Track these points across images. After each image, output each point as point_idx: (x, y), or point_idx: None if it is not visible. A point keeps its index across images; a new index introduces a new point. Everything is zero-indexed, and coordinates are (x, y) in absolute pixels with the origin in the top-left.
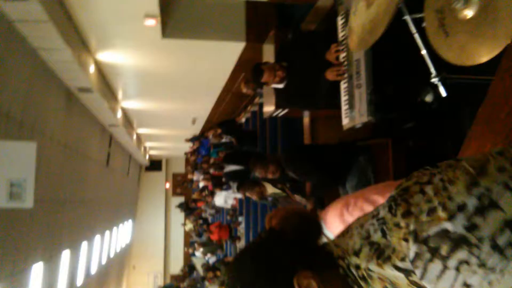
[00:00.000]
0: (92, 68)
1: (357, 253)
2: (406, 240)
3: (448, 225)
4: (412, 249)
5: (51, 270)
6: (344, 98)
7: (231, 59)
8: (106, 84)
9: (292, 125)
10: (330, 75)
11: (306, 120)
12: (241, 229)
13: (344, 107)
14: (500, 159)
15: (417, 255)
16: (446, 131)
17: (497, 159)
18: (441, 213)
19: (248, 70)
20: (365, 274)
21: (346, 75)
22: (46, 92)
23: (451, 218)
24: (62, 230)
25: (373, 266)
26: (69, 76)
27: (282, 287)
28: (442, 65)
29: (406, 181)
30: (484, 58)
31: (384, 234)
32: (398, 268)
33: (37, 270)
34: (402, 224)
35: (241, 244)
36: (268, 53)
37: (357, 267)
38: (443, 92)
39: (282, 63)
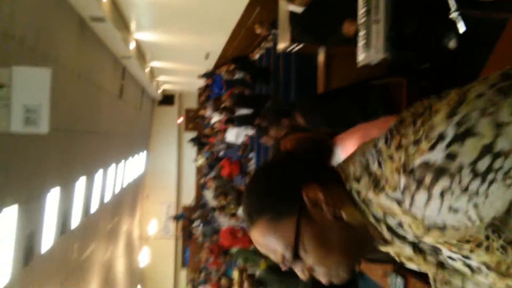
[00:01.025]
0: None
1: (357, 180)
2: (398, 171)
3: (430, 156)
4: (401, 180)
5: (67, 195)
6: (361, 33)
7: None
8: (120, 14)
9: (306, 62)
10: (347, 27)
11: (321, 57)
12: (252, 165)
13: (360, 42)
14: (482, 83)
15: (405, 187)
16: (462, 73)
17: (480, 84)
18: (424, 144)
19: (264, 5)
20: (366, 200)
21: (362, 32)
22: (59, 19)
23: (431, 148)
24: (78, 158)
25: (371, 195)
26: (82, 3)
27: (292, 200)
28: (462, 2)
29: (405, 111)
30: None
31: (380, 165)
32: (391, 198)
33: (54, 195)
34: (395, 156)
35: None
36: None
37: (358, 193)
38: (462, 27)
39: None
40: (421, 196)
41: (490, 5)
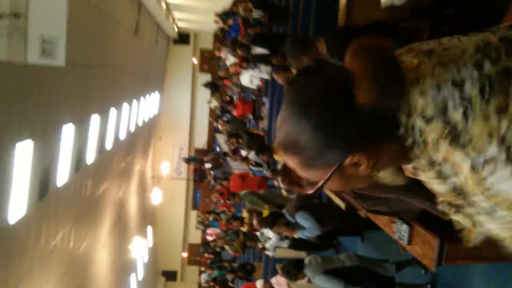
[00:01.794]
0: None
1: (427, 121)
2: (490, 136)
3: None
4: (492, 149)
5: (81, 132)
6: None
7: None
8: None
9: (327, 4)
10: None
11: None
12: (265, 109)
13: None
14: None
15: (494, 157)
16: (484, 22)
17: None
18: None
19: None
20: (428, 141)
21: None
22: None
23: None
24: (91, 95)
25: (443, 146)
26: None
27: (336, 155)
28: None
29: (510, 59)
30: None
31: (466, 117)
32: (467, 159)
33: (68, 131)
34: (493, 119)
35: (263, 124)
36: None
37: (421, 132)
38: None
39: None
40: (505, 171)
41: None
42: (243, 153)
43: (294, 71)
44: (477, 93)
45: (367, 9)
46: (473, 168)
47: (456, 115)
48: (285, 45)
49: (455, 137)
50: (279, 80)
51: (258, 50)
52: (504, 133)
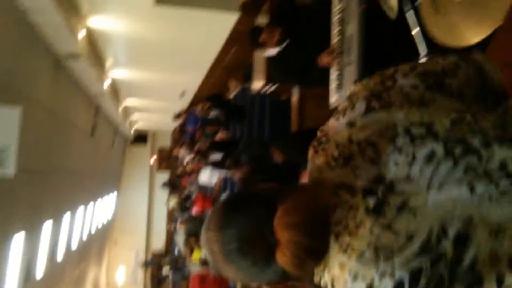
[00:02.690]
0: (82, 34)
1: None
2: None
3: None
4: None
5: (33, 241)
6: (333, 75)
7: (223, 31)
8: (96, 51)
9: (280, 102)
10: (324, 58)
11: (295, 98)
12: None
13: (333, 84)
14: None
15: None
16: None
17: None
18: None
19: (241, 44)
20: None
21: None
22: (33, 56)
23: None
24: (45, 201)
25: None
26: (58, 40)
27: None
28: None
29: None
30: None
31: None
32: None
33: (19, 240)
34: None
35: None
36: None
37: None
38: None
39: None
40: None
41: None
42: (203, 255)
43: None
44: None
45: (318, 109)
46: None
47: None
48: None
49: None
50: (236, 177)
51: (216, 155)
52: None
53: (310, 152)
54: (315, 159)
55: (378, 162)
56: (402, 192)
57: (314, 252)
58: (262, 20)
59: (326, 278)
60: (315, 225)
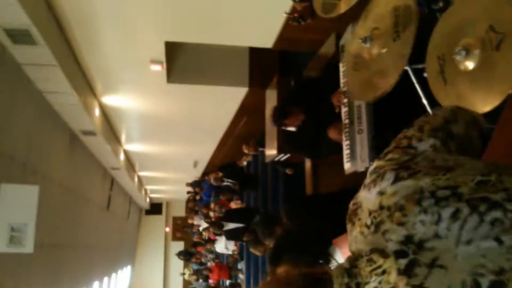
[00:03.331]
0: (96, 112)
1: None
2: None
3: None
4: None
5: None
6: (345, 143)
7: (233, 104)
8: (110, 127)
9: (294, 169)
10: (332, 133)
11: (308, 165)
12: (241, 276)
13: (345, 151)
14: None
15: None
16: None
17: None
18: None
19: (251, 115)
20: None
21: (347, 121)
22: (50, 134)
23: None
24: (61, 276)
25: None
26: (74, 119)
27: None
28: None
29: None
30: (480, 110)
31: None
32: None
33: None
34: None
35: None
36: (271, 98)
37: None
38: None
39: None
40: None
41: None
42: None
43: (268, 244)
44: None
45: (331, 175)
46: None
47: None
48: (255, 222)
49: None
50: (256, 253)
51: (231, 225)
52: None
53: (348, 226)
54: (352, 231)
55: (406, 223)
56: (432, 248)
57: None
58: (270, 93)
59: None
60: None
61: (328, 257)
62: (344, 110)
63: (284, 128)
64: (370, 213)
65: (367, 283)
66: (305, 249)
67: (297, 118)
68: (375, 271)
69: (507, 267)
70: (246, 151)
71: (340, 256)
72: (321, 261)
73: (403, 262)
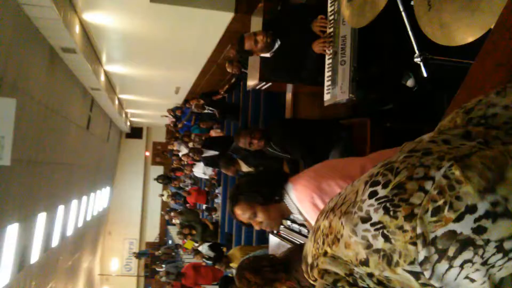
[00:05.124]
0: (77, 28)
1: (365, 263)
2: (413, 244)
3: (456, 227)
4: (421, 253)
5: (26, 231)
6: (327, 74)
7: (218, 29)
8: (91, 46)
9: (275, 100)
10: (316, 47)
11: (289, 95)
12: (219, 200)
13: (326, 83)
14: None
15: (426, 258)
16: (423, 116)
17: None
18: (448, 213)
19: (235, 42)
20: (382, 279)
21: (331, 50)
22: (29, 49)
23: (459, 219)
24: (39, 192)
25: (387, 273)
26: (54, 34)
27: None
28: (426, 46)
29: (398, 175)
30: (460, 42)
31: (386, 239)
32: (407, 271)
33: (12, 231)
34: (407, 227)
35: (216, 215)
36: (256, 25)
37: (371, 275)
38: (424, 73)
39: (268, 31)
40: (442, 266)
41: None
42: (195, 244)
43: (240, 163)
44: (383, 215)
45: (311, 107)
46: (418, 280)
47: (379, 242)
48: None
49: (389, 260)
50: (228, 173)
51: (210, 152)
52: (421, 231)
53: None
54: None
55: None
56: None
57: None
58: (256, 19)
59: None
60: None
61: (283, 193)
62: (329, 30)
63: (253, 54)
64: None
65: None
66: (262, 188)
67: (253, 39)
68: None
69: None
70: (229, 70)
71: (293, 193)
72: (276, 198)
73: None
